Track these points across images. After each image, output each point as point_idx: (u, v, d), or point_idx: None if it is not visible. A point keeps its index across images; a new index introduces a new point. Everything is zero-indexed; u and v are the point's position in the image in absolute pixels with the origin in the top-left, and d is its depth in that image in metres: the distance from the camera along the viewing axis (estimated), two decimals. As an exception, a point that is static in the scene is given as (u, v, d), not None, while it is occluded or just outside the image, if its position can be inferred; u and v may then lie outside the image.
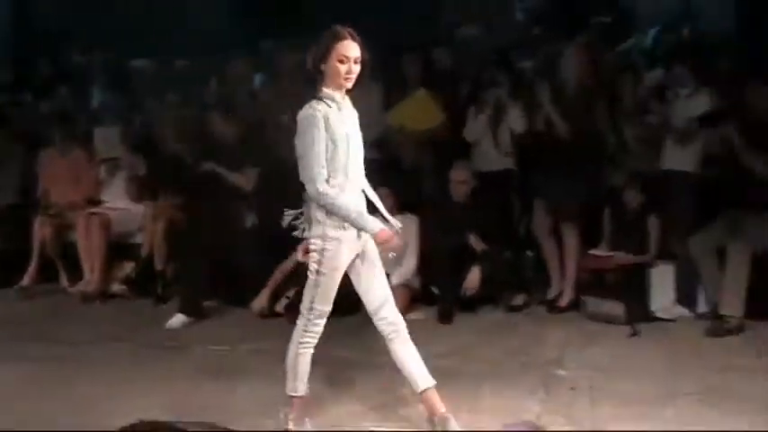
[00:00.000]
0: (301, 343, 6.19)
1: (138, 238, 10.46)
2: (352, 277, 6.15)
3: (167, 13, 12.82)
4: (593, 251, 9.48)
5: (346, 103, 6.02)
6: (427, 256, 9.71)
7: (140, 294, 10.20)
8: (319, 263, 5.93)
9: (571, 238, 9.56)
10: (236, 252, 9.81)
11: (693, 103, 9.26)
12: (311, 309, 6.08)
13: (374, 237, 5.94)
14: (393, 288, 9.29)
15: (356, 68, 5.81)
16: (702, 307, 9.22)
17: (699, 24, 11.39)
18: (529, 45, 10.93)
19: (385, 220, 6.16)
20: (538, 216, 9.77)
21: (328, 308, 6.10)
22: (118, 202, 10.67)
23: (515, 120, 9.70)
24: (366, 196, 6.20)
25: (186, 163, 10.04)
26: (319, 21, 10.88)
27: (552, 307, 9.62)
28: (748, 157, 8.91)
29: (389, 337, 6.20)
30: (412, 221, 9.67)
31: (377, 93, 10.21)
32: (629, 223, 9.40)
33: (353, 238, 5.93)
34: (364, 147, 10.01)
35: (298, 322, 6.22)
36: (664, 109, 9.51)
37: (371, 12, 10.77)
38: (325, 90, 5.87)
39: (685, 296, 9.24)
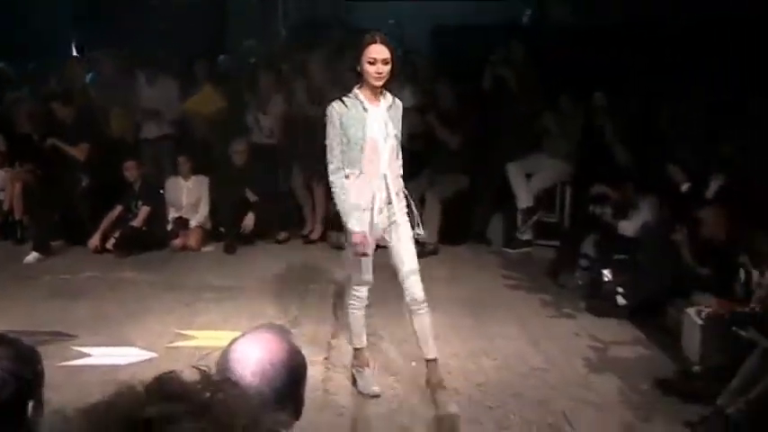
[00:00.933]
0: (350, 305, 5.48)
1: (0, 196, 10.05)
2: (389, 250, 5.32)
3: (19, 23, 12.23)
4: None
5: (380, 100, 5.20)
6: (216, 205, 9.69)
7: (3, 239, 9.83)
8: (347, 241, 5.29)
9: (319, 190, 9.66)
10: (75, 204, 9.61)
11: (402, 96, 9.45)
12: (350, 278, 5.41)
13: (349, 237, 5.17)
14: (192, 228, 9.38)
15: (385, 68, 5.02)
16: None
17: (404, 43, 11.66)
18: (289, 52, 10.96)
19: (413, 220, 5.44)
20: (295, 175, 9.84)
21: (366, 277, 5.32)
22: (-17, 170, 10.23)
23: (277, 105, 9.75)
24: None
25: (35, 139, 9.73)
26: (132, 34, 10.74)
27: (306, 240, 9.75)
28: (442, 135, 9.27)
29: (410, 308, 5.29)
30: (204, 180, 9.70)
31: (174, 87, 10.14)
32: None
33: (374, 216, 5.17)
34: (171, 126, 9.96)
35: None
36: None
37: (176, 27, 10.60)
38: (356, 90, 5.14)
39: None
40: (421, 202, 9.23)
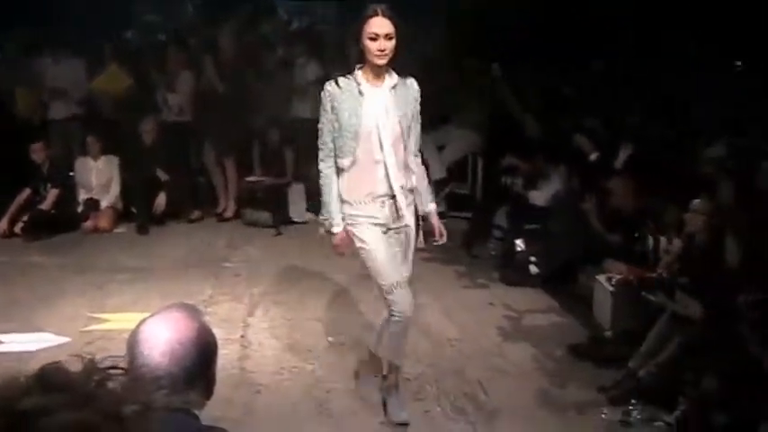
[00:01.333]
0: (392, 318, 4.58)
1: None
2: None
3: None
4: (248, 178, 9.53)
5: (383, 82, 4.48)
6: (127, 185, 9.50)
7: None
8: (359, 240, 4.52)
9: (231, 168, 9.61)
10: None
11: (308, 70, 9.41)
12: (379, 287, 4.55)
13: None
14: (103, 209, 9.19)
15: (389, 44, 4.33)
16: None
17: (313, 17, 11.57)
18: (197, 27, 10.75)
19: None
20: (207, 152, 9.70)
21: (390, 279, 4.48)
22: None
23: (186, 82, 9.55)
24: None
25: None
26: (37, 11, 10.41)
27: (220, 218, 9.64)
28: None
29: (391, 314, 4.56)
30: (113, 160, 9.50)
31: (81, 66, 9.88)
32: (272, 155, 9.51)
33: (374, 213, 4.48)
34: (79, 106, 9.69)
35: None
36: (289, 74, 9.59)
37: (79, 7, 10.28)
38: (357, 70, 4.45)
39: (312, 205, 9.43)
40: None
